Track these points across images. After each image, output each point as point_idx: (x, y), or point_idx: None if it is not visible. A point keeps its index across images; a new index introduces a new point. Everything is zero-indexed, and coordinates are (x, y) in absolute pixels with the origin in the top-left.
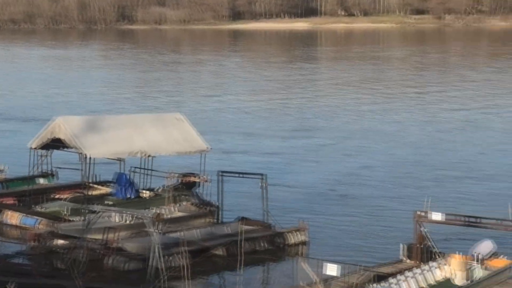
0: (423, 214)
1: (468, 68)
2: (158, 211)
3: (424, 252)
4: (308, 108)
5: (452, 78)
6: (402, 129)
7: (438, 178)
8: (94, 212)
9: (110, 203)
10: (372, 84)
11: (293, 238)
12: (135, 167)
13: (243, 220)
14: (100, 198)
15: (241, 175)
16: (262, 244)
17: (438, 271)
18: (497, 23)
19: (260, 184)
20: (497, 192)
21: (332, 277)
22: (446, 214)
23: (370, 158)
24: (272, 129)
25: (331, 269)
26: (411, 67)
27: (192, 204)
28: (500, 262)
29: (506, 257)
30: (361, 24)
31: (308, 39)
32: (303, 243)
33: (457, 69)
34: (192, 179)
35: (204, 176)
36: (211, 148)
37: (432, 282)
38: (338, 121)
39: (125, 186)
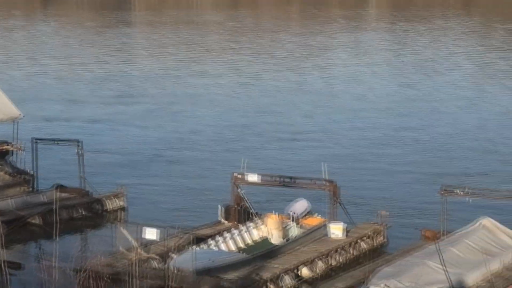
0: (239, 176)
1: (283, 32)
2: None
3: (241, 213)
4: (130, 74)
5: (270, 41)
6: (227, 93)
7: (262, 141)
8: None
9: None
10: (192, 48)
11: (111, 204)
12: None
13: (59, 187)
14: None
15: (56, 142)
16: (79, 211)
17: (255, 231)
18: None
19: (76, 150)
20: (317, 153)
21: (152, 241)
22: (262, 175)
23: (196, 123)
24: (95, 95)
25: (150, 233)
26: (228, 31)
27: (5, 173)
28: (314, 220)
29: (320, 215)
30: None
31: (121, 3)
32: (122, 208)
33: (273, 33)
34: (4, 147)
35: (18, 144)
36: (23, 116)
37: (249, 242)
38: (162, 86)
39: None
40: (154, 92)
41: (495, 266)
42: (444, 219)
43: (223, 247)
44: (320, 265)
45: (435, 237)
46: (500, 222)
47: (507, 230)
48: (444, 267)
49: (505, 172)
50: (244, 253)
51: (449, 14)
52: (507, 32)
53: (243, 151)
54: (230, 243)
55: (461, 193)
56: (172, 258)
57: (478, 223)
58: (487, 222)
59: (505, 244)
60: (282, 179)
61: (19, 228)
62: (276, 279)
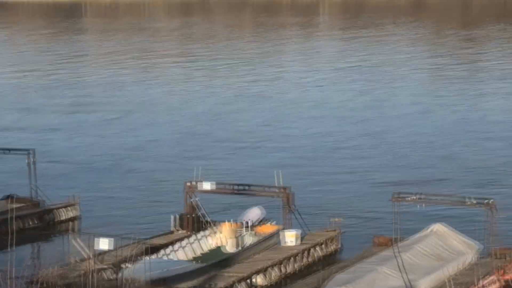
0: (193, 184)
1: (237, 38)
2: None
3: (195, 222)
4: (87, 82)
5: (223, 48)
6: (182, 100)
7: (219, 149)
8: None
9: None
10: (146, 55)
11: (64, 214)
12: None
13: (11, 197)
14: None
15: (5, 151)
16: (31, 222)
17: (210, 240)
18: None
19: (27, 159)
20: (273, 160)
21: (105, 251)
22: (217, 183)
23: (155, 131)
24: (49, 104)
25: (103, 243)
26: (182, 38)
27: None
28: (269, 228)
29: (275, 222)
30: None
31: (72, 10)
32: (75, 218)
33: (227, 40)
34: None
35: None
36: None
37: (203, 251)
38: (119, 95)
39: None
40: (109, 100)
41: (447, 271)
42: (397, 226)
43: (177, 256)
44: (275, 273)
45: (387, 244)
46: (452, 228)
47: (459, 236)
48: (401, 273)
49: (461, 178)
50: (198, 262)
51: (400, 20)
52: (457, 37)
53: (199, 159)
54: (184, 252)
55: (412, 199)
56: (125, 268)
57: (430, 229)
58: (439, 228)
59: (457, 249)
60: (236, 187)
61: None
62: None
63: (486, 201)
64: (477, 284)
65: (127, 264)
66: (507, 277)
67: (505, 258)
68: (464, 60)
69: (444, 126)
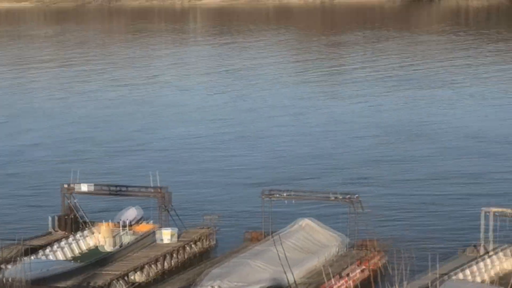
0: (71, 185)
1: (111, 45)
2: None
3: (72, 223)
4: None
5: (99, 54)
6: (63, 106)
7: (99, 153)
8: None
9: None
10: (23, 62)
11: None
12: None
13: None
14: None
15: None
16: None
17: (88, 240)
18: (130, 2)
19: None
20: (152, 161)
21: None
22: (94, 185)
23: (33, 136)
24: None
25: None
26: (59, 45)
27: None
28: (145, 227)
29: (151, 221)
30: (2, 4)
31: None
32: None
33: (102, 45)
34: None
35: None
36: None
37: (82, 250)
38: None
39: None
40: None
41: (314, 263)
42: (269, 221)
43: (56, 256)
44: (152, 270)
45: (258, 238)
46: (319, 222)
47: (325, 230)
48: (272, 266)
49: (330, 176)
50: (77, 262)
51: (269, 27)
52: (322, 43)
53: (78, 162)
54: (62, 252)
55: (281, 195)
56: (5, 269)
57: (298, 224)
58: (306, 222)
59: (323, 242)
60: (114, 188)
61: None
62: (107, 286)
63: (349, 196)
64: (342, 273)
65: (6, 265)
66: (368, 266)
67: (367, 249)
68: (329, 64)
69: (314, 127)
